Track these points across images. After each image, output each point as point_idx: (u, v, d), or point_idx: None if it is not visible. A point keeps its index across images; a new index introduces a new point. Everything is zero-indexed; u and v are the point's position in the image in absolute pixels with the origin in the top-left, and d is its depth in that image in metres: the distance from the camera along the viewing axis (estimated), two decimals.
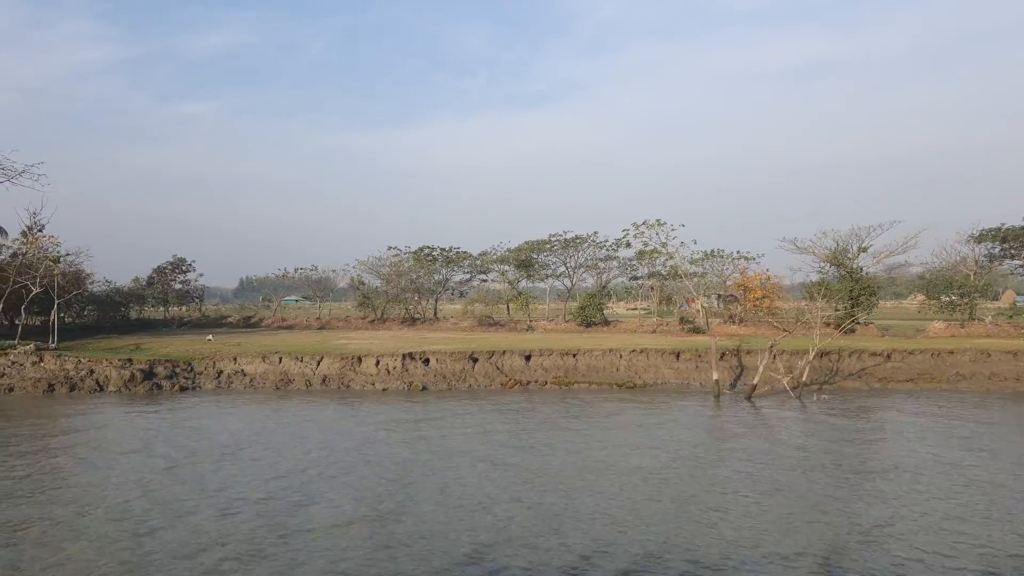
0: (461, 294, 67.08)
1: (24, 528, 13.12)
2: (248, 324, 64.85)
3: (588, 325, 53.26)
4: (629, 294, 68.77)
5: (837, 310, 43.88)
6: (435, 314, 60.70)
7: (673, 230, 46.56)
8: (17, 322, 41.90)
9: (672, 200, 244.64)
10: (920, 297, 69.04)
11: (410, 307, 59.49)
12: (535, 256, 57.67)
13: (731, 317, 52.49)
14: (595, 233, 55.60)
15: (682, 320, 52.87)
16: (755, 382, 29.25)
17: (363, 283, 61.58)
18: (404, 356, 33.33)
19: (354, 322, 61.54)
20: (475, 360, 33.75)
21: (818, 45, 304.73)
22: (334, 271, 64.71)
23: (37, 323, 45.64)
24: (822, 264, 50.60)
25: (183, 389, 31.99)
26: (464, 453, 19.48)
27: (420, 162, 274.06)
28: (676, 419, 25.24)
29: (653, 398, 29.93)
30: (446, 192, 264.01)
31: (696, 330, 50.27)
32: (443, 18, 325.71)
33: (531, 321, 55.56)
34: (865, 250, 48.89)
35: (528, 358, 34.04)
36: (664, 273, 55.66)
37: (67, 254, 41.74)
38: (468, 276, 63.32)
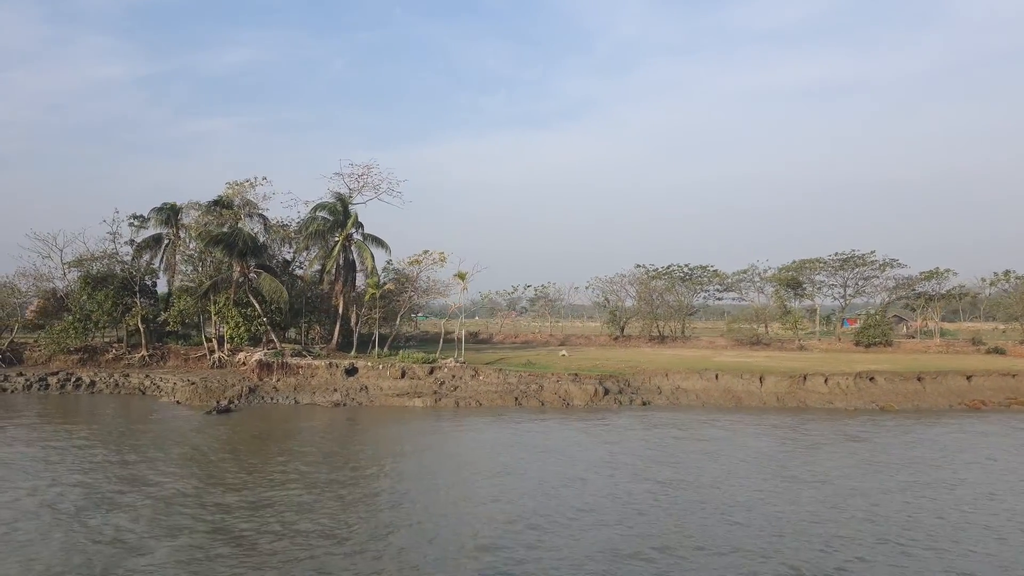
0: (690, 312, 66.85)
1: None
2: (476, 340, 64.91)
3: (868, 346, 52.68)
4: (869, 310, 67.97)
5: None
6: (683, 332, 60.41)
7: None
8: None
9: (689, 217, 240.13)
10: None
11: (659, 324, 59.29)
12: (804, 275, 57.38)
13: None
14: (872, 252, 55.35)
15: (974, 341, 52.18)
16: None
17: (608, 300, 61.55)
18: (855, 375, 33.02)
19: (595, 339, 61.38)
20: (920, 379, 33.34)
21: (839, 65, 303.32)
22: (576, 288, 64.95)
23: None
24: None
25: (644, 404, 31.85)
26: None
27: (436, 179, 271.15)
28: None
29: None
30: (463, 210, 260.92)
31: (997, 351, 49.54)
32: (461, 36, 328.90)
33: (801, 341, 55.04)
34: None
35: (969, 378, 33.61)
36: (944, 294, 55.15)
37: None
38: (706, 294, 63.19)
